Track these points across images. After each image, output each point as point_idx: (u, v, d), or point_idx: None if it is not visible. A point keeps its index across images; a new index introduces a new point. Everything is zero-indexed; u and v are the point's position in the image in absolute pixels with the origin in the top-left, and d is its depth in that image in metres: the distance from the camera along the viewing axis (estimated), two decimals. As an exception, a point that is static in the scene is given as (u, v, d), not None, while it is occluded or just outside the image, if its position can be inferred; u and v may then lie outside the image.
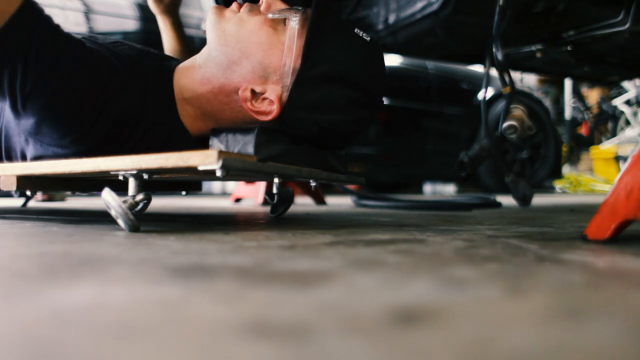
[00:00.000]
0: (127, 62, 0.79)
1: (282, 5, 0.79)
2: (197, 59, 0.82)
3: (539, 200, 2.31)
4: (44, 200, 1.99)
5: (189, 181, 1.16)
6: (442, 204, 1.53)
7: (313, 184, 0.91)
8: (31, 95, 0.70)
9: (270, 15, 0.77)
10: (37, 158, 0.79)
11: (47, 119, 0.73)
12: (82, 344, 0.23)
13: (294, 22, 0.77)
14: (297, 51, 0.76)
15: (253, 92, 0.77)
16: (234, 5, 0.81)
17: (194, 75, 0.80)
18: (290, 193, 1.07)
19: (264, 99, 0.77)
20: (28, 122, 0.75)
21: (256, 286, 0.35)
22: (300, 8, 0.79)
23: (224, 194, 3.74)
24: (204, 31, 0.82)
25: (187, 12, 2.45)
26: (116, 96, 0.75)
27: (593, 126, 5.99)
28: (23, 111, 0.73)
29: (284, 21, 0.78)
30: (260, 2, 0.80)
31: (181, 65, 0.84)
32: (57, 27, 0.72)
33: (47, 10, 0.72)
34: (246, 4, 0.80)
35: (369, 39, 0.81)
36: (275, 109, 0.77)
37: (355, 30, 0.80)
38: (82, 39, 0.77)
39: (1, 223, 0.86)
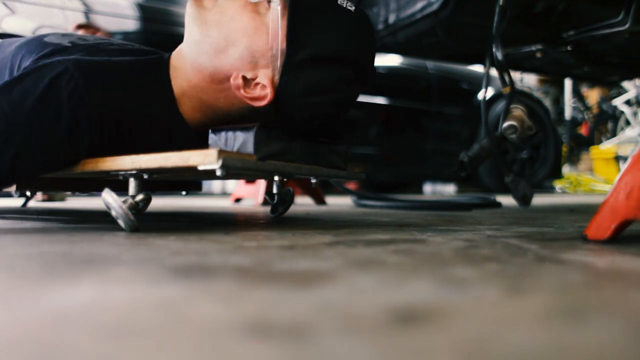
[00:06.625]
0: (119, 63, 0.79)
1: None
2: (183, 49, 0.81)
3: (539, 200, 2.31)
4: (44, 200, 1.99)
5: (189, 181, 1.16)
6: (442, 204, 1.53)
7: (313, 180, 0.91)
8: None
9: None
10: None
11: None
12: (82, 344, 0.23)
13: (275, 2, 0.76)
14: (283, 33, 0.76)
15: (245, 78, 0.77)
16: None
17: (185, 66, 0.80)
18: (290, 193, 1.07)
19: (257, 84, 0.77)
20: None
21: (256, 286, 0.34)
22: None
23: (224, 193, 3.74)
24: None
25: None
26: (111, 105, 0.74)
27: (593, 126, 5.99)
28: None
29: (266, 1, 0.76)
30: None
31: (172, 55, 0.83)
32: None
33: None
34: None
35: (353, 7, 0.79)
36: (269, 92, 0.77)
37: (339, 1, 0.78)
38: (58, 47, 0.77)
39: (1, 223, 0.86)
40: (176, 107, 0.81)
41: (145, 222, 0.84)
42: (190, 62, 0.79)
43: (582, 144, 5.88)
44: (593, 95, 6.23)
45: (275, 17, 0.75)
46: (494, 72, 1.33)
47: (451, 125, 3.23)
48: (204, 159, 0.60)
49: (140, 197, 0.68)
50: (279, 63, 0.76)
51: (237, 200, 2.09)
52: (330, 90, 0.79)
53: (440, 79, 3.18)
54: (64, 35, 0.85)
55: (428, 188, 5.06)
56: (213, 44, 0.76)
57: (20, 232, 0.71)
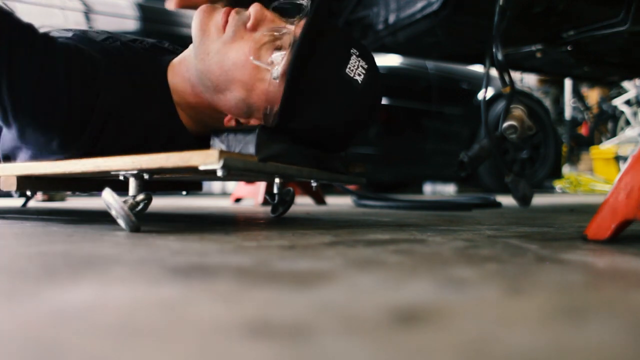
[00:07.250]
0: (118, 60, 0.78)
1: (271, 23, 0.75)
2: (185, 65, 0.80)
3: (539, 200, 2.31)
4: (44, 200, 1.99)
5: (190, 181, 1.16)
6: (442, 204, 1.53)
7: (314, 184, 0.91)
8: (18, 103, 0.69)
9: (252, 60, 0.73)
10: None
11: (30, 125, 0.73)
12: (82, 344, 0.23)
13: (276, 72, 0.73)
14: (279, 100, 0.74)
15: (238, 122, 0.79)
16: (221, 18, 0.75)
17: (185, 84, 0.80)
18: (291, 193, 1.07)
19: None
20: (15, 130, 0.73)
21: (256, 286, 0.35)
22: (291, 25, 0.75)
23: (224, 194, 3.74)
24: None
25: (186, 12, 2.44)
26: (105, 96, 0.74)
27: (593, 126, 5.99)
28: (14, 121, 0.72)
29: (267, 65, 0.74)
30: (248, 16, 0.75)
31: (173, 63, 0.82)
32: (33, 35, 0.70)
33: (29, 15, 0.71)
34: (232, 19, 0.75)
35: (362, 76, 0.75)
36: None
37: (348, 68, 0.74)
38: (68, 39, 0.76)
39: (1, 223, 0.86)
40: (175, 114, 0.81)
41: (145, 222, 0.84)
42: (191, 85, 0.79)
43: (582, 144, 5.88)
44: (593, 95, 6.23)
45: (275, 85, 0.74)
46: (494, 72, 1.33)
47: (451, 125, 3.23)
48: (205, 159, 0.60)
49: (140, 197, 0.68)
50: (271, 120, 0.77)
51: (237, 200, 2.09)
52: (325, 147, 0.83)
53: (440, 79, 3.18)
54: (67, 30, 0.85)
55: (428, 188, 5.06)
56: (214, 82, 0.76)
57: (20, 232, 0.71)
